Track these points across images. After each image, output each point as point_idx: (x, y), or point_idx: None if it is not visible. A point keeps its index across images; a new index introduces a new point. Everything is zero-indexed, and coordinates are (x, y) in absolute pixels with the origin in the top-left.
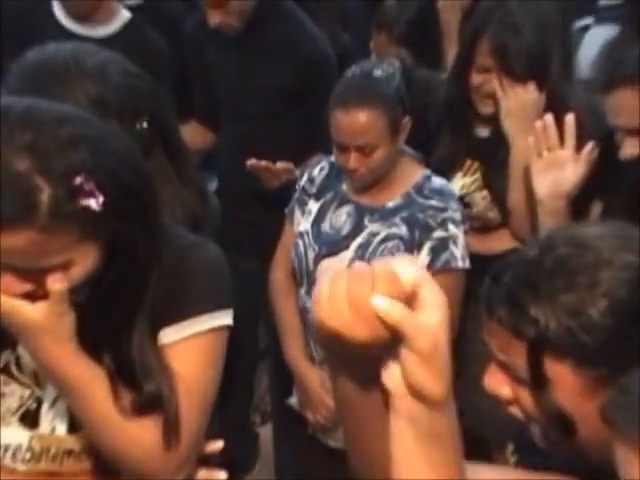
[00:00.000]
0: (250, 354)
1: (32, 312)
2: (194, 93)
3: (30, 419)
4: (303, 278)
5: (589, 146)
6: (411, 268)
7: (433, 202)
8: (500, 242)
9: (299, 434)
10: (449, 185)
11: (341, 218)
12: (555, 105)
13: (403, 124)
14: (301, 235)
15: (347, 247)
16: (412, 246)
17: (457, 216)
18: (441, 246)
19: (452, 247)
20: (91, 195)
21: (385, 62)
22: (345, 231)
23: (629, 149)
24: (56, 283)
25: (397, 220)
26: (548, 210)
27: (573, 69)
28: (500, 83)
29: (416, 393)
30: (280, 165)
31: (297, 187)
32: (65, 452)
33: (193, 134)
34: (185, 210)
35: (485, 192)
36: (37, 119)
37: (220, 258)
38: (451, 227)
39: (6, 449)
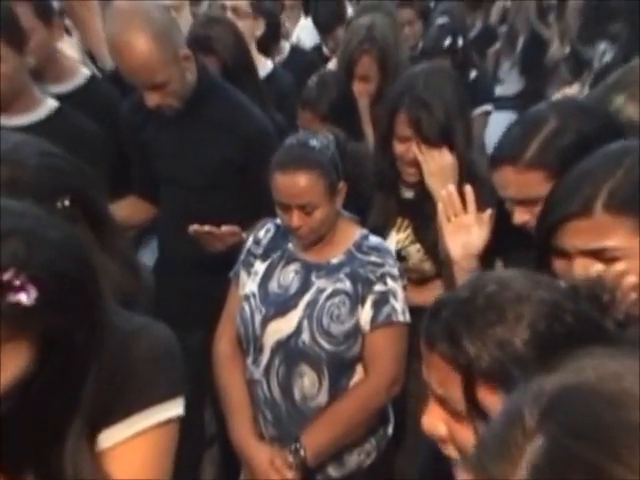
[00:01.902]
0: (196, 442)
1: None
2: (132, 169)
3: None
4: (250, 345)
5: (488, 211)
6: None
7: (372, 258)
8: (436, 292)
9: None
10: (385, 243)
11: (289, 276)
12: (463, 170)
13: (339, 188)
14: (247, 298)
15: (295, 305)
16: (357, 300)
17: (394, 271)
18: (382, 300)
19: (392, 301)
20: (21, 290)
21: (319, 134)
22: (293, 289)
23: (518, 217)
24: None
25: (341, 275)
26: (462, 268)
27: (473, 140)
28: (419, 149)
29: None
30: (225, 228)
31: (242, 250)
32: None
33: (133, 208)
34: (113, 284)
35: (418, 245)
36: None
37: (170, 339)
38: (389, 281)
39: None
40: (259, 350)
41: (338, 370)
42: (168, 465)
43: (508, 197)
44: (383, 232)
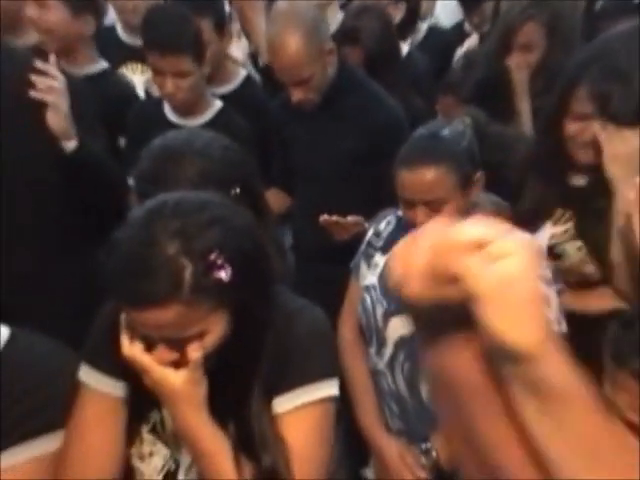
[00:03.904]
0: None
1: (175, 379)
2: (274, 164)
3: None
4: (372, 336)
5: None
6: (476, 228)
7: None
8: (599, 301)
9: None
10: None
11: None
12: None
13: (475, 179)
14: (367, 289)
15: None
16: None
17: (545, 274)
18: None
19: None
20: (222, 268)
21: (456, 120)
22: None
23: None
24: (194, 352)
25: None
26: None
27: None
28: (603, 129)
29: (501, 346)
30: (350, 218)
31: (363, 241)
32: None
33: (273, 199)
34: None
35: (580, 243)
36: (184, 208)
37: (326, 322)
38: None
39: None
40: (382, 342)
41: None
42: (329, 440)
43: None
44: (534, 224)
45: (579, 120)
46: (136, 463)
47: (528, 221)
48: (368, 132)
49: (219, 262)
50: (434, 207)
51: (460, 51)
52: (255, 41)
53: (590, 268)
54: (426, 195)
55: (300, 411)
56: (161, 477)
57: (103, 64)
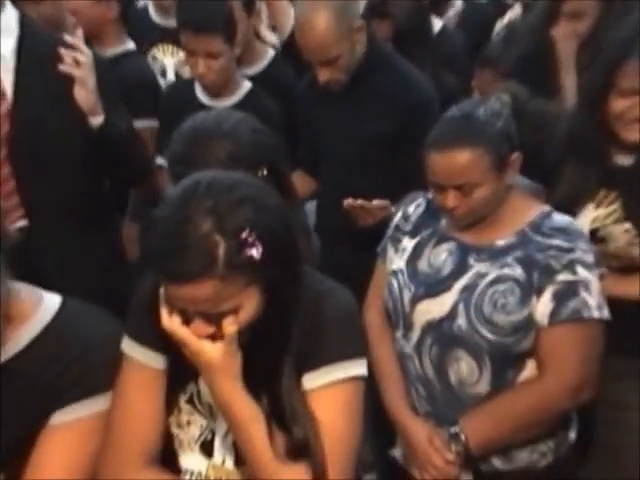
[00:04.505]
0: None
1: (212, 351)
2: (300, 146)
3: (207, 449)
4: (399, 321)
5: None
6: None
7: (556, 241)
8: None
9: None
10: (575, 222)
11: (440, 257)
12: None
13: (511, 160)
14: (395, 274)
15: (448, 288)
16: (530, 290)
17: (588, 258)
18: (568, 292)
19: (584, 293)
20: (253, 246)
21: (493, 98)
22: (446, 271)
23: None
24: (230, 325)
25: (509, 260)
26: None
27: None
28: None
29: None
30: (376, 202)
31: (390, 225)
32: None
33: (299, 182)
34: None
35: (628, 225)
36: (217, 187)
37: (354, 305)
38: (581, 270)
39: (191, 473)
40: (409, 327)
41: (503, 362)
42: (359, 418)
43: None
44: (573, 208)
45: (626, 96)
46: (175, 430)
47: (568, 203)
48: (397, 113)
49: (250, 240)
50: (465, 191)
51: (500, 24)
52: (275, 17)
53: (638, 250)
54: (457, 179)
55: (329, 388)
56: (198, 445)
57: (127, 46)
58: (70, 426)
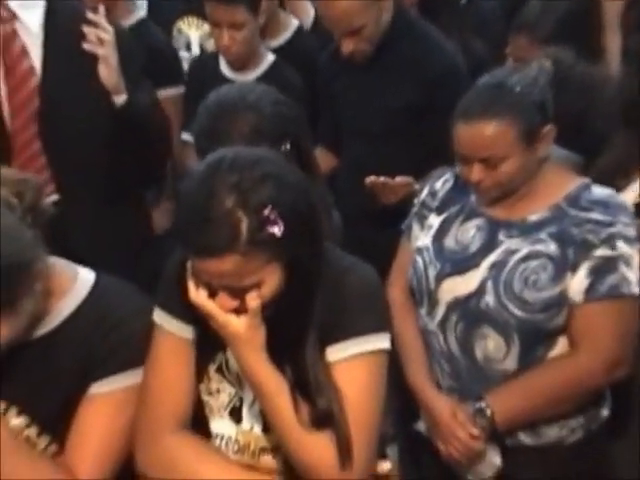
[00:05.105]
0: None
1: (237, 324)
2: (320, 121)
3: (236, 415)
4: (423, 297)
5: None
6: None
7: (594, 215)
8: None
9: (430, 463)
10: (617, 196)
11: (469, 233)
12: None
13: (544, 132)
14: (420, 251)
15: (477, 265)
16: (565, 266)
17: (629, 232)
18: (606, 267)
19: (623, 269)
20: (275, 224)
21: (532, 65)
22: (474, 247)
23: None
24: (253, 300)
25: (543, 236)
26: None
27: None
28: None
29: None
30: (399, 179)
31: (416, 201)
32: (261, 449)
33: (319, 158)
34: None
35: None
36: (241, 163)
37: (376, 281)
38: (621, 245)
39: (221, 438)
40: (433, 304)
41: (532, 339)
42: (382, 390)
43: None
44: (617, 181)
45: None
46: (205, 397)
47: (610, 175)
48: (422, 82)
49: (272, 217)
50: (491, 164)
51: None
52: (296, 17)
53: None
54: (483, 152)
55: (353, 361)
56: (227, 411)
57: (139, 14)
58: (106, 397)
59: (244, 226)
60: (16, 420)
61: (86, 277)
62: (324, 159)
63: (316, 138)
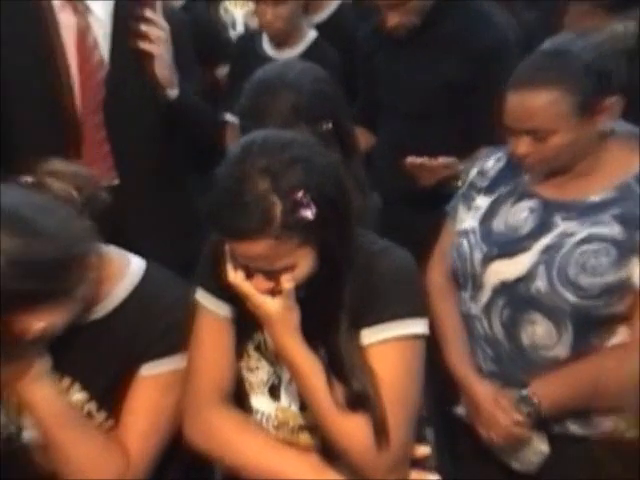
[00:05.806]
0: None
1: (272, 305)
2: (358, 99)
3: (274, 393)
4: (467, 281)
5: None
6: None
7: None
8: None
9: (468, 448)
10: None
11: (521, 215)
12: None
13: (606, 105)
14: (465, 233)
15: (528, 248)
16: (630, 250)
17: None
18: None
19: None
20: (307, 207)
21: (602, 30)
22: (526, 229)
23: None
24: (286, 282)
25: (606, 218)
26: None
27: None
28: None
29: None
30: (442, 160)
31: (461, 182)
32: (299, 427)
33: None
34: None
35: None
36: (270, 146)
37: (411, 265)
38: None
39: (262, 414)
40: (478, 288)
41: (587, 326)
42: (418, 375)
43: None
44: None
45: None
46: (245, 374)
47: None
48: (468, 58)
49: (305, 201)
50: (538, 137)
51: None
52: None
53: None
54: (528, 123)
55: (386, 345)
56: (267, 388)
57: None
58: (154, 378)
59: (277, 210)
60: (79, 394)
61: (137, 265)
62: (361, 137)
63: (353, 116)
